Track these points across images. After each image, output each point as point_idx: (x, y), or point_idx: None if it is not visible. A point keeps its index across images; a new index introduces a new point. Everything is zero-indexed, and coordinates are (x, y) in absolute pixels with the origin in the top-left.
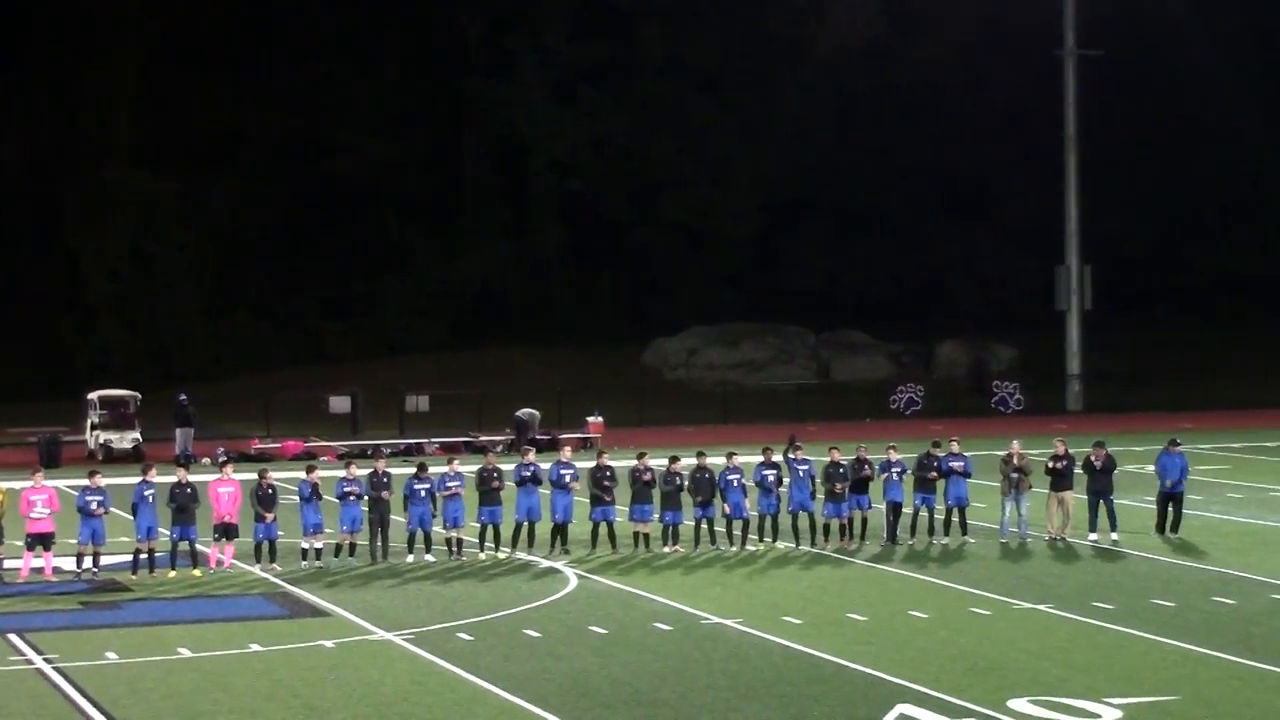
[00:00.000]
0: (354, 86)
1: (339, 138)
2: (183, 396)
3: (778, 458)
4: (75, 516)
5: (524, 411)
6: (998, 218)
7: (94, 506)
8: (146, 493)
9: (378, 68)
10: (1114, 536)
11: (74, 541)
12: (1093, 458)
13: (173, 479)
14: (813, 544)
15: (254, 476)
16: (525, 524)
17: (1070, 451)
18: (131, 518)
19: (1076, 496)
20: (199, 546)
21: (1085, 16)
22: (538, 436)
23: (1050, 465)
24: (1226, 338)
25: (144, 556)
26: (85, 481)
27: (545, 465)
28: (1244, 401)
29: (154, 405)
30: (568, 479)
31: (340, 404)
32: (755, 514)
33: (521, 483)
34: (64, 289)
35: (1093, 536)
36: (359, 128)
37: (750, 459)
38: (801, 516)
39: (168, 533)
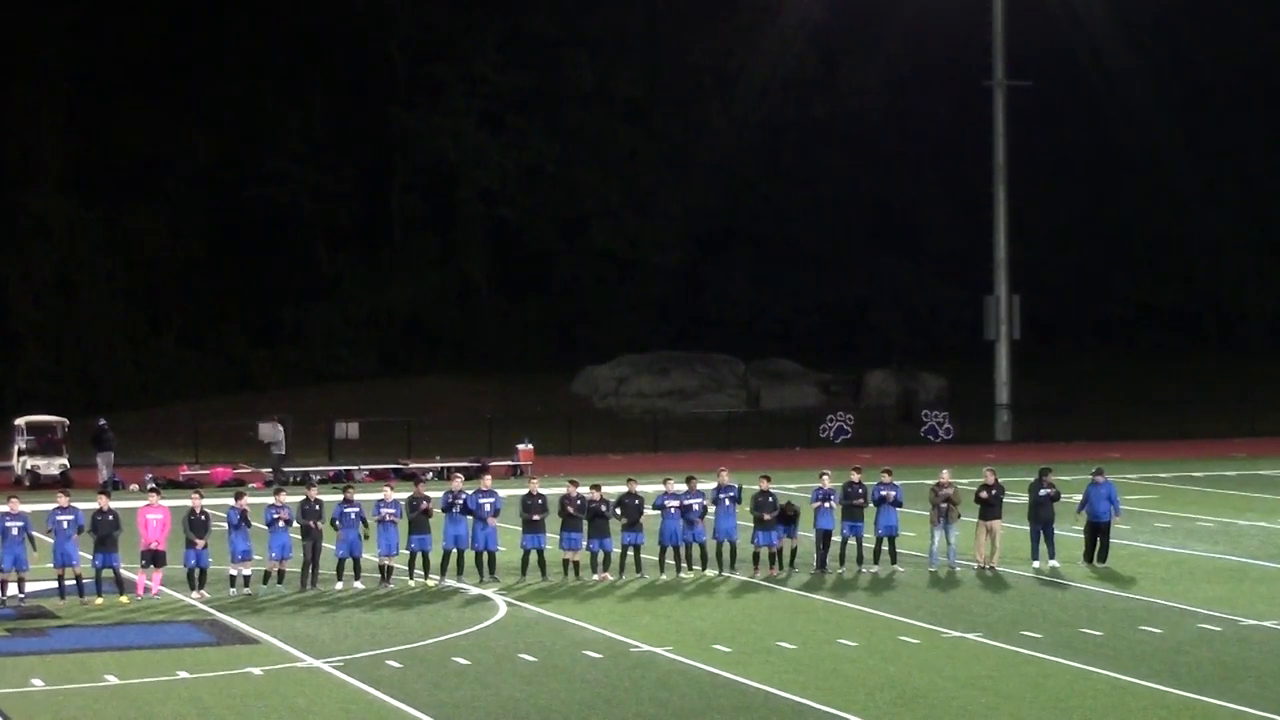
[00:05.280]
0: (282, 114)
1: (266, 165)
2: (102, 421)
3: (702, 486)
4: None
5: (266, 431)
6: (925, 247)
7: (14, 532)
8: (60, 518)
9: (306, 95)
10: (1053, 564)
11: None
12: (1040, 486)
13: (94, 506)
14: (732, 569)
15: (185, 503)
16: (454, 551)
17: (1000, 480)
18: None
19: (1007, 525)
20: (126, 573)
21: (1012, 48)
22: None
23: (980, 494)
24: (1152, 368)
25: (70, 584)
26: (4, 508)
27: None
28: (1171, 432)
29: (81, 432)
30: (487, 509)
31: (269, 431)
32: (684, 542)
33: (448, 510)
34: None
35: (1035, 565)
36: (287, 155)
37: (681, 487)
38: (726, 545)
39: (90, 558)
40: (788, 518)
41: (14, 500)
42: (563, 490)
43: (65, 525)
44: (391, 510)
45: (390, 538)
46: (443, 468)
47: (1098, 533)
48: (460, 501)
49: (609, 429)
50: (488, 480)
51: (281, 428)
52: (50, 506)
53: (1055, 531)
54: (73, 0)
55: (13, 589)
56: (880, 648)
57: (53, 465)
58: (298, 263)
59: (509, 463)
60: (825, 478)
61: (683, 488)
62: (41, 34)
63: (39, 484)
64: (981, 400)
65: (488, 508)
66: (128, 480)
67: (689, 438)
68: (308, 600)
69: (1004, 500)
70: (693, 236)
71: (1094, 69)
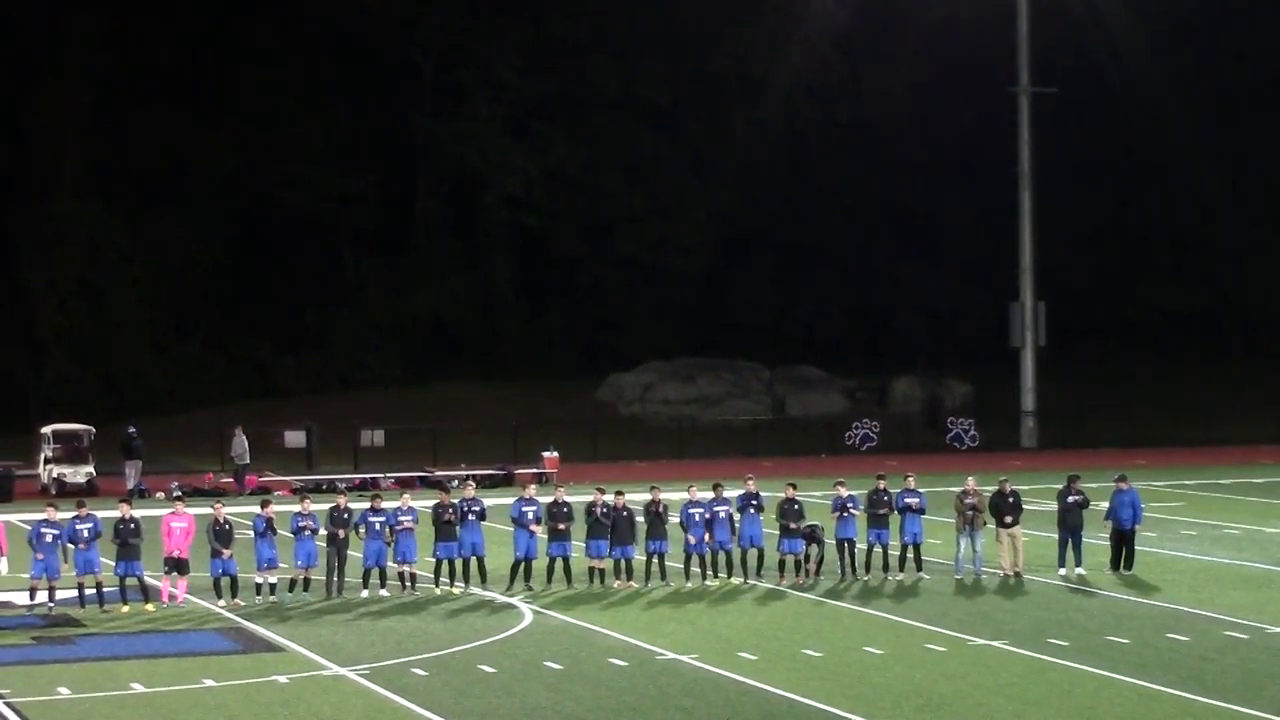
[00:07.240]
0: (305, 120)
1: (290, 171)
2: (131, 429)
3: (728, 493)
4: (27, 551)
5: (240, 444)
6: (948, 252)
7: (48, 539)
8: (79, 527)
9: (329, 101)
10: (1080, 571)
11: (25, 575)
12: (1068, 493)
13: (115, 514)
14: (758, 576)
15: (208, 511)
16: (473, 559)
17: (1015, 488)
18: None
19: (1035, 533)
20: (151, 581)
21: (1036, 52)
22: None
23: (997, 503)
24: (1177, 373)
25: (90, 592)
26: (41, 515)
27: (491, 501)
28: (1197, 438)
29: (107, 439)
30: (530, 517)
31: (295, 438)
32: (710, 549)
33: (463, 519)
34: (14, 323)
35: (1061, 572)
36: (310, 161)
37: (707, 494)
38: (752, 552)
39: (112, 566)
40: (816, 540)
41: (51, 509)
42: (589, 498)
43: (85, 534)
44: (409, 517)
45: (409, 545)
46: (466, 475)
47: (1123, 540)
48: (476, 509)
49: (634, 436)
50: (532, 489)
51: (245, 439)
52: (69, 515)
53: (1083, 539)
54: (97, 6)
55: (42, 596)
56: (906, 655)
57: (79, 473)
58: (322, 269)
59: (534, 470)
60: (840, 487)
61: (708, 495)
62: (65, 40)
63: (65, 492)
64: (1007, 407)
65: (530, 515)
66: (154, 488)
67: (715, 445)
68: (333, 608)
69: (1024, 507)
70: (717, 242)
71: (1117, 73)
